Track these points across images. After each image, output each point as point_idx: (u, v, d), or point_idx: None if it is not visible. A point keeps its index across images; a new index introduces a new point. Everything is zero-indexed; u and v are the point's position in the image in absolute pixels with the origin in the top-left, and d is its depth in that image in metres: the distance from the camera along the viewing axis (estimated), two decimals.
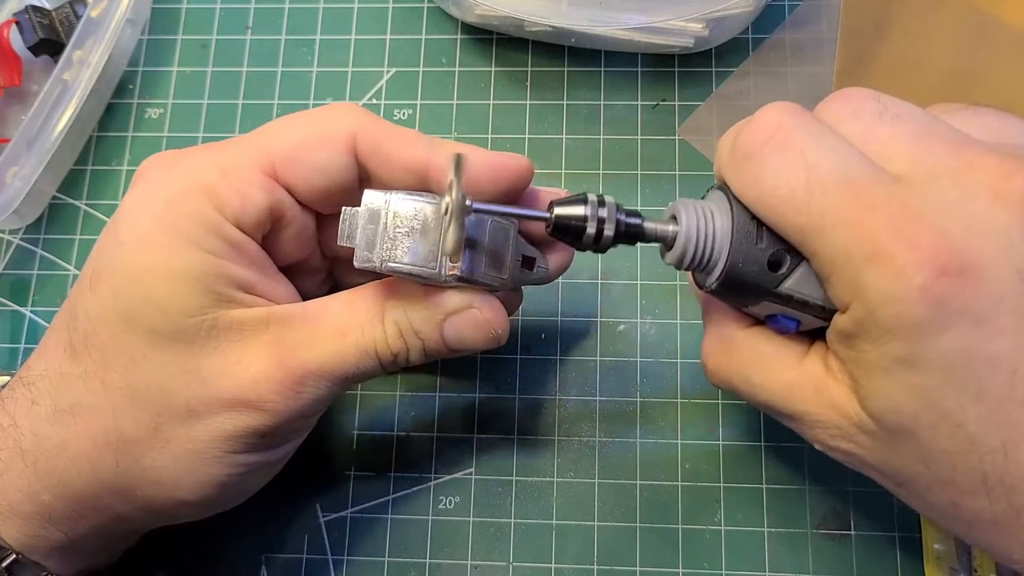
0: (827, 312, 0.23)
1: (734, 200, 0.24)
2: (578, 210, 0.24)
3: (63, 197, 0.41)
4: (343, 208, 0.26)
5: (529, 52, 0.41)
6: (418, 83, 0.41)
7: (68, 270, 0.40)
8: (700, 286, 0.26)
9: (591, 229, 0.24)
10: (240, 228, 0.26)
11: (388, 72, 0.41)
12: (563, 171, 0.39)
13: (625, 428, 0.36)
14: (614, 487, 0.35)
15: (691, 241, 0.24)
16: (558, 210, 0.24)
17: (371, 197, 0.26)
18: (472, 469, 0.36)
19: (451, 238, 0.23)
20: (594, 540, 0.35)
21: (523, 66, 0.41)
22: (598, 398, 0.36)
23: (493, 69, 0.41)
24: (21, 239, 0.40)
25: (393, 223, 0.25)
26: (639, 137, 0.39)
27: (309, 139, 0.27)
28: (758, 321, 0.26)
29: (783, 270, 0.23)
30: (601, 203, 0.24)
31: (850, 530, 0.34)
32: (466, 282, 0.27)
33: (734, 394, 0.27)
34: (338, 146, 0.27)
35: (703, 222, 0.24)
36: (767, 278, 0.23)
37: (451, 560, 0.35)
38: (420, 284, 0.27)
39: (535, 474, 0.35)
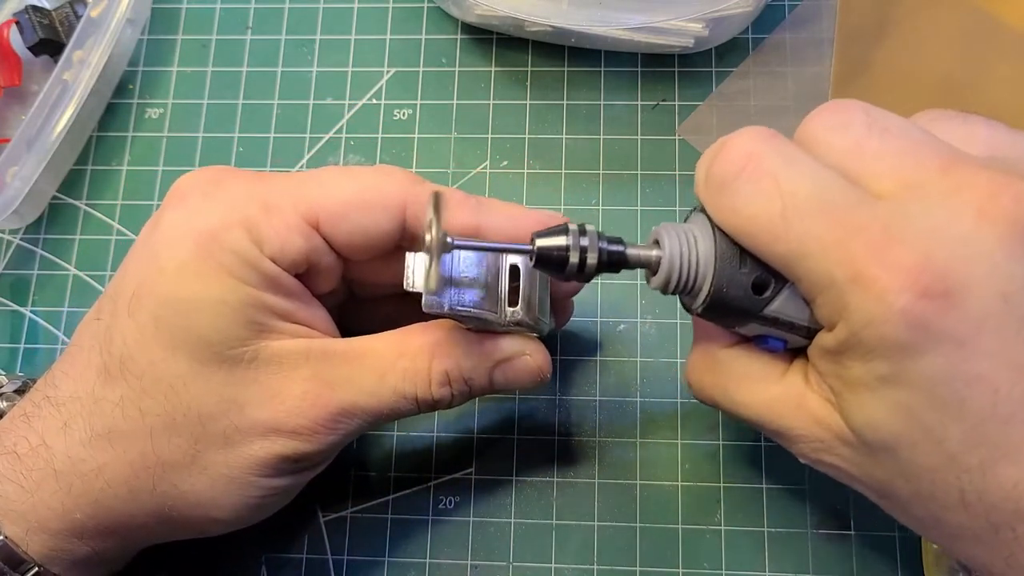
0: (813, 333, 0.23)
1: (715, 225, 0.24)
2: (559, 240, 0.24)
3: (63, 197, 0.41)
4: (407, 253, 0.26)
5: (529, 52, 0.41)
6: (418, 83, 0.41)
7: (68, 270, 0.40)
8: (687, 309, 0.26)
9: (574, 258, 0.24)
10: (276, 265, 0.27)
11: (388, 72, 0.41)
12: (563, 171, 0.39)
13: (625, 428, 0.36)
14: (614, 487, 0.35)
15: (675, 267, 0.24)
16: (540, 242, 0.24)
17: None
18: (472, 469, 0.36)
19: (432, 274, 0.23)
20: (594, 540, 0.35)
21: (523, 66, 0.41)
22: (598, 398, 0.36)
23: (493, 69, 0.41)
24: (21, 239, 0.40)
25: (458, 269, 0.26)
26: (639, 137, 0.39)
27: (360, 200, 0.27)
28: (747, 339, 0.26)
29: (768, 293, 0.23)
30: (582, 232, 0.24)
31: (850, 530, 0.34)
32: (520, 327, 0.27)
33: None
34: (388, 211, 0.27)
35: (686, 247, 0.24)
36: (752, 302, 0.23)
37: (451, 560, 0.35)
38: (473, 328, 0.28)
39: (535, 474, 0.35)
